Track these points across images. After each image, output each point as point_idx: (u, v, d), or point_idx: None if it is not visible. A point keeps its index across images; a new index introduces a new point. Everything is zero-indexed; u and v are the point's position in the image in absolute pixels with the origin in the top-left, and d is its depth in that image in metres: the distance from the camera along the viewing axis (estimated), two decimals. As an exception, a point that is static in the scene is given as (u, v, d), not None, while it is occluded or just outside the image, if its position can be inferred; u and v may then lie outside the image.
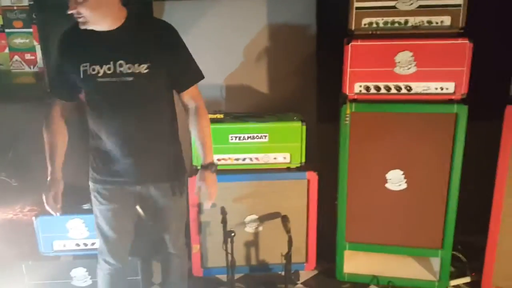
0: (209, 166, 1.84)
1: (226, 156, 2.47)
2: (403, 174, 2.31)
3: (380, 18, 2.18)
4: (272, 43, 2.84)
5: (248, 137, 2.44)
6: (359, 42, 2.16)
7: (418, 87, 2.19)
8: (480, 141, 2.36)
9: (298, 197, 2.49)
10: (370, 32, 2.20)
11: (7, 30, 3.01)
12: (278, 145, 2.46)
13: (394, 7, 2.15)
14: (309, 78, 2.87)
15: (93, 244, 2.34)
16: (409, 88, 2.19)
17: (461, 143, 2.20)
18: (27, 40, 3.06)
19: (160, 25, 1.74)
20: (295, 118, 2.46)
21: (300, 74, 2.86)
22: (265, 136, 2.44)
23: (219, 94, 2.92)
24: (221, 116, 2.49)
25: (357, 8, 2.17)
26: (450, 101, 2.18)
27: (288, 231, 2.25)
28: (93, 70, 1.65)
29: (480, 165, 2.34)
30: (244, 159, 2.48)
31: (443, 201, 2.30)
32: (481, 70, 2.17)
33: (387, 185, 2.35)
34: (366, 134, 2.29)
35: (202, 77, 1.82)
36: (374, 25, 2.19)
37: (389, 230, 2.41)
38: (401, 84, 2.20)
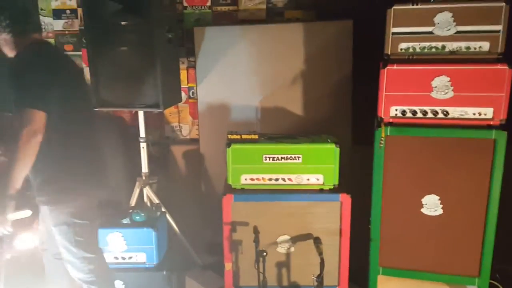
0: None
1: (259, 176, 2.51)
2: (439, 199, 2.28)
3: (417, 43, 2.18)
4: (307, 66, 2.89)
5: (281, 158, 2.48)
6: (395, 67, 2.17)
7: (455, 112, 2.17)
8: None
9: (331, 219, 2.49)
10: (406, 57, 2.21)
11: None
12: (311, 166, 2.48)
13: (431, 32, 2.16)
14: (344, 101, 2.89)
15: (130, 258, 2.43)
16: (446, 113, 2.18)
17: (500, 169, 2.14)
18: (77, 63, 3.25)
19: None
20: (329, 140, 2.48)
21: (335, 97, 2.89)
22: (299, 157, 2.47)
23: (254, 115, 2.99)
24: (256, 136, 2.53)
25: (393, 33, 2.19)
26: (489, 127, 2.14)
27: (320, 253, 2.25)
28: None
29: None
30: (277, 179, 2.51)
31: (481, 227, 2.24)
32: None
33: (423, 210, 2.31)
34: (401, 158, 2.27)
35: (20, 106, 1.87)
36: (411, 50, 2.20)
37: (424, 255, 2.36)
38: (438, 109, 2.18)
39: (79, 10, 3.17)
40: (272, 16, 3.03)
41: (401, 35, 2.18)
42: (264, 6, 3.03)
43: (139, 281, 2.46)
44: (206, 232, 3.16)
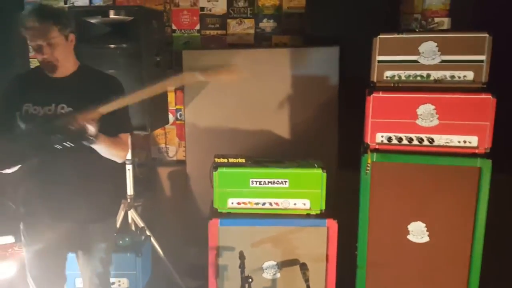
0: None
1: (246, 200, 2.49)
2: (425, 226, 2.28)
3: (402, 71, 2.22)
4: (294, 90, 2.91)
5: (268, 182, 2.46)
6: (380, 94, 2.20)
7: (441, 139, 2.19)
8: (505, 195, 2.32)
9: (317, 244, 2.46)
10: (392, 84, 2.24)
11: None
12: (298, 191, 2.46)
13: (416, 61, 2.19)
14: (331, 126, 2.91)
15: (113, 284, 2.37)
16: (431, 140, 2.20)
17: (485, 197, 2.16)
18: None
19: (106, 77, 1.97)
20: (315, 165, 2.48)
21: (321, 122, 2.91)
22: (286, 182, 2.46)
23: (241, 138, 2.98)
24: (243, 160, 2.52)
25: (379, 61, 2.22)
26: (474, 155, 2.16)
27: (306, 279, 2.22)
28: (35, 110, 1.81)
29: (505, 220, 2.29)
30: (264, 204, 2.49)
31: (467, 255, 2.24)
32: (506, 124, 2.16)
33: (409, 237, 2.31)
34: (388, 184, 2.28)
35: (129, 130, 2.04)
36: (396, 78, 2.23)
37: (411, 282, 2.35)
38: (423, 136, 2.20)
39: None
40: (260, 40, 3.07)
41: (387, 63, 2.21)
42: (252, 31, 3.07)
43: (121, 308, 2.40)
44: (191, 256, 3.12)
